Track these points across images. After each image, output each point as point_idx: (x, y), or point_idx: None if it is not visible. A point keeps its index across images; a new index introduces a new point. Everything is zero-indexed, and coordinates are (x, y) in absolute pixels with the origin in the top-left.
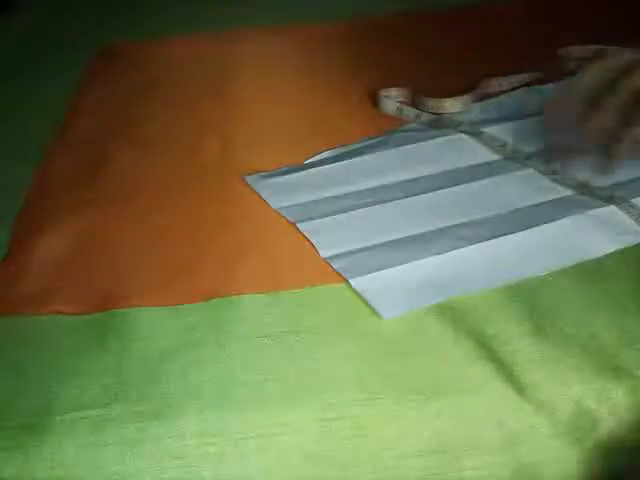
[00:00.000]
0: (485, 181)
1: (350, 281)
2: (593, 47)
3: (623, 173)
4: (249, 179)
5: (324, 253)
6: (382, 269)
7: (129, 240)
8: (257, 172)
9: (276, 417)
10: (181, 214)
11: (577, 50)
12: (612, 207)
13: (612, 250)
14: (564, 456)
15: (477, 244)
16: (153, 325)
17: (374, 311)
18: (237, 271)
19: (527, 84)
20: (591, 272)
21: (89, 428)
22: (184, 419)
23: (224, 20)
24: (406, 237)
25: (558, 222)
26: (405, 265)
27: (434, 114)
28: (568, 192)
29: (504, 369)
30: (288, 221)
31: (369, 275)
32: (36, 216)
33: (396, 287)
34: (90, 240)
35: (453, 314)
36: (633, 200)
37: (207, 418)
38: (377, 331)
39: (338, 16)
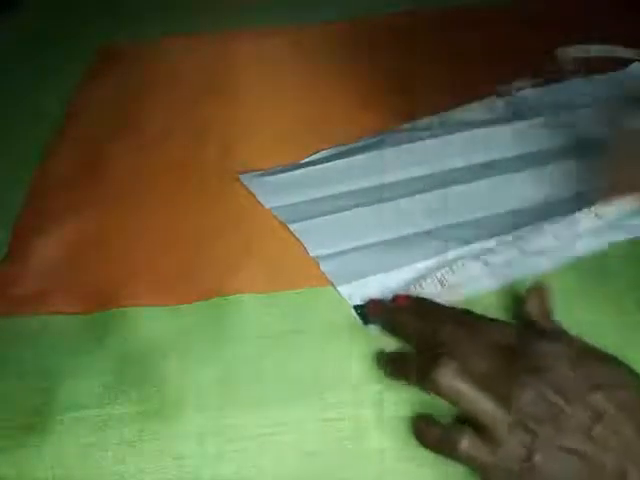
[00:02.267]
0: (482, 182)
1: (336, 286)
2: (593, 47)
3: None
4: (243, 178)
5: (313, 254)
6: (370, 274)
7: (129, 240)
8: (253, 171)
9: (276, 417)
10: (181, 214)
11: (577, 50)
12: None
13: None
14: None
15: (469, 246)
16: (153, 325)
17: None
18: (237, 271)
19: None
20: (590, 273)
21: (89, 428)
22: (184, 419)
23: (224, 20)
24: (397, 238)
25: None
26: (394, 270)
27: None
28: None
29: None
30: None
31: (356, 281)
32: (36, 216)
33: (383, 294)
34: (90, 240)
35: None
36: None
37: (207, 418)
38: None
39: (338, 17)
